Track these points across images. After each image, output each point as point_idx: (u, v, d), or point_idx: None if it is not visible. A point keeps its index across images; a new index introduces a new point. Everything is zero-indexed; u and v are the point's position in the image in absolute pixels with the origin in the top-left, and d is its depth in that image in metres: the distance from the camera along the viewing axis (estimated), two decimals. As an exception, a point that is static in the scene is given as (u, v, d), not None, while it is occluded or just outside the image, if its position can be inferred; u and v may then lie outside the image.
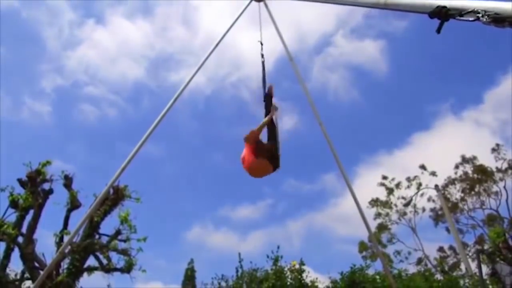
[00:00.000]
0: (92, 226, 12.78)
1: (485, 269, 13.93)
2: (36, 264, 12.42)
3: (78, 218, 5.18)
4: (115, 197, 13.04)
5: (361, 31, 42.20)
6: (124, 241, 13.19)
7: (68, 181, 13.51)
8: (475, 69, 41.10)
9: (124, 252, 13.12)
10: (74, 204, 13.33)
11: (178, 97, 5.69)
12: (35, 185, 12.99)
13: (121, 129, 43.53)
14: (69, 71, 42.00)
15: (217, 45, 5.99)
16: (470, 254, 22.29)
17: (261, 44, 5.91)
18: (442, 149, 34.45)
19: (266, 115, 5.18)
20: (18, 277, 12.54)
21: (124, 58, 45.16)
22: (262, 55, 5.72)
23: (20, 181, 13.14)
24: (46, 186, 13.27)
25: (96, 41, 42.53)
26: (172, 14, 45.26)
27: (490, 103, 38.62)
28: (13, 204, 12.66)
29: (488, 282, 11.66)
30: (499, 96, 35.42)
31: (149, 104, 40.45)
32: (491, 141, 27.59)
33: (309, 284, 9.90)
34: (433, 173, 26.55)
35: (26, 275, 12.54)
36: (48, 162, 13.20)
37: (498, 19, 2.38)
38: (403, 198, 26.09)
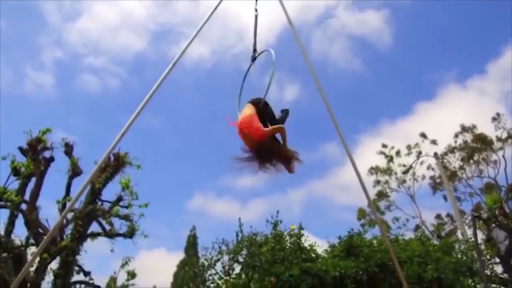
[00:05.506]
0: (94, 192, 12.94)
1: (481, 235, 14.17)
2: (40, 230, 12.66)
3: (80, 185, 5.20)
4: (115, 164, 13.14)
5: (364, 2, 41.30)
6: (126, 207, 13.40)
7: (68, 149, 13.57)
8: (479, 39, 40.50)
9: (126, 217, 13.36)
10: (75, 171, 13.44)
11: (176, 62, 5.61)
12: (36, 153, 13.03)
13: (123, 101, 43.38)
14: (70, 43, 41.45)
15: (213, 11, 5.87)
16: (467, 222, 22.63)
17: None
18: (445, 118, 34.39)
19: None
20: (23, 243, 12.77)
21: (125, 30, 44.44)
22: (256, 10, 5.80)
23: (21, 149, 13.19)
24: (47, 154, 13.36)
25: (96, 13, 41.72)
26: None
27: (494, 73, 38.29)
28: (15, 171, 12.74)
29: (483, 247, 11.85)
30: (502, 66, 35.08)
31: (151, 77, 40.13)
32: (494, 110, 27.39)
33: (308, 247, 10.08)
34: (434, 142, 26.62)
35: (31, 241, 12.77)
36: (48, 130, 13.18)
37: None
38: (404, 165, 26.21)
